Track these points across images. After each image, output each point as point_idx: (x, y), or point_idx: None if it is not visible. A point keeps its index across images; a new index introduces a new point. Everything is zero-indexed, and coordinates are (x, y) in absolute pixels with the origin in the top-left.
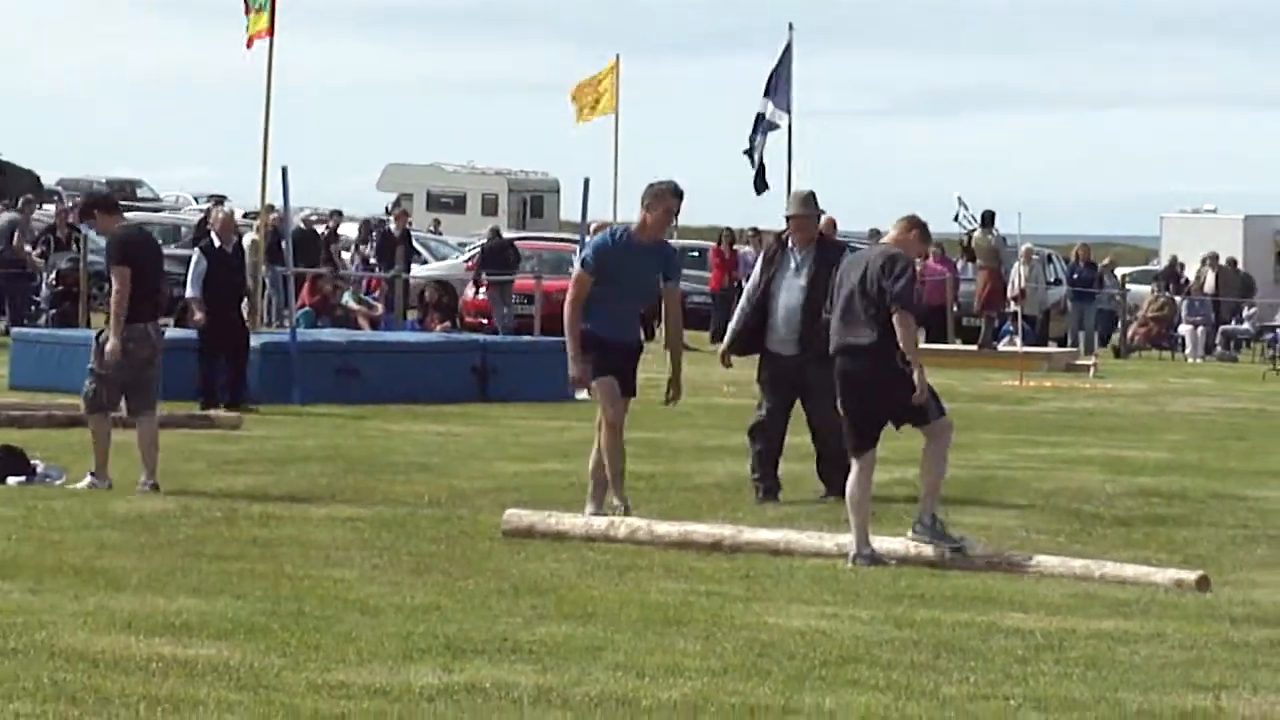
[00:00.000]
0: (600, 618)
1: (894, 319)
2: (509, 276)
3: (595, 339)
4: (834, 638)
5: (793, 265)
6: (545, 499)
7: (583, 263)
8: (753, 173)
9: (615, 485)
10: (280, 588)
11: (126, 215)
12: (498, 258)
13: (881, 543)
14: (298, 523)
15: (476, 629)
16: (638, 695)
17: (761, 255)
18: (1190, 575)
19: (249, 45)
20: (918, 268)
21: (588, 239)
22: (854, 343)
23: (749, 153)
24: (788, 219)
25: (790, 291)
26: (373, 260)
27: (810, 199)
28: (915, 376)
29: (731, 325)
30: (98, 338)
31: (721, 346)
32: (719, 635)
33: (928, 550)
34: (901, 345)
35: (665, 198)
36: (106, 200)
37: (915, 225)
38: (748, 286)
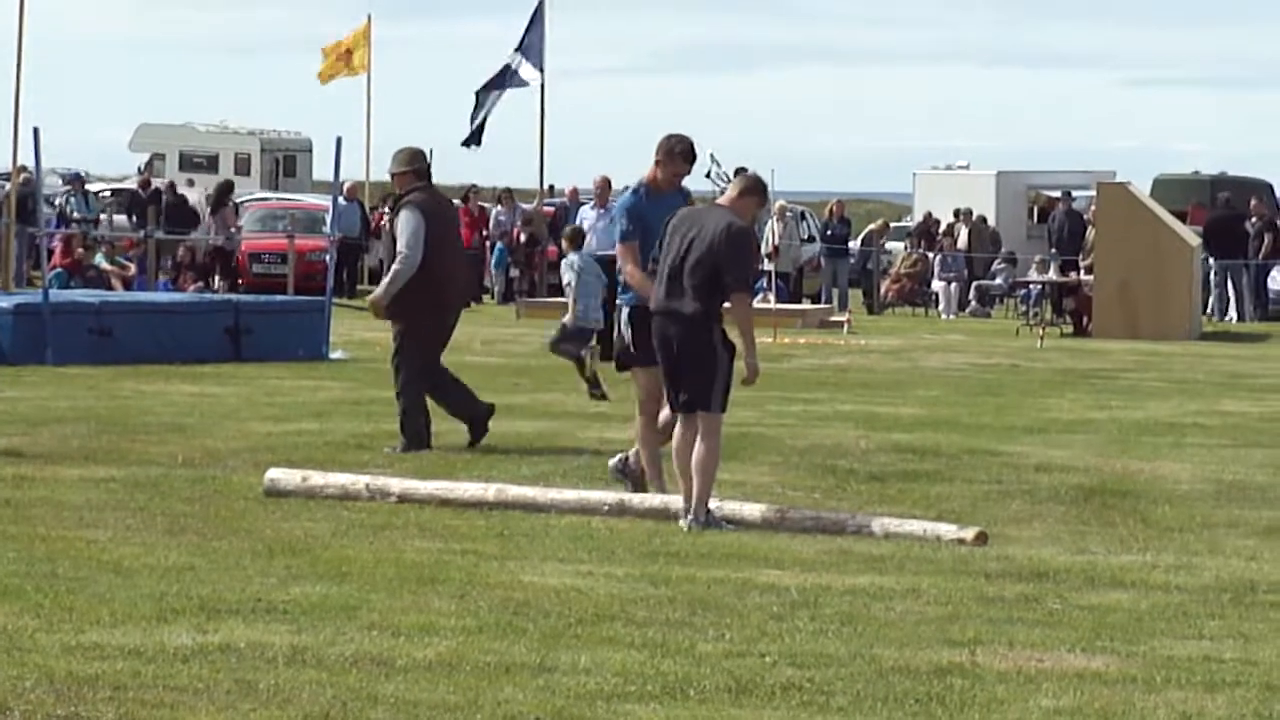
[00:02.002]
0: (355, 577)
1: (732, 300)
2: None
3: (642, 310)
4: (589, 595)
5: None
6: (300, 458)
7: (623, 235)
8: (475, 125)
9: (652, 474)
10: (33, 549)
11: None
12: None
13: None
14: (50, 484)
15: (231, 589)
16: (393, 654)
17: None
18: (969, 532)
19: None
20: None
21: (589, 211)
22: (676, 309)
23: (477, 106)
24: (392, 175)
25: None
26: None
27: (419, 155)
28: (747, 359)
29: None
30: None
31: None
32: (474, 594)
33: (751, 511)
34: (739, 328)
35: (678, 162)
36: None
37: (755, 191)
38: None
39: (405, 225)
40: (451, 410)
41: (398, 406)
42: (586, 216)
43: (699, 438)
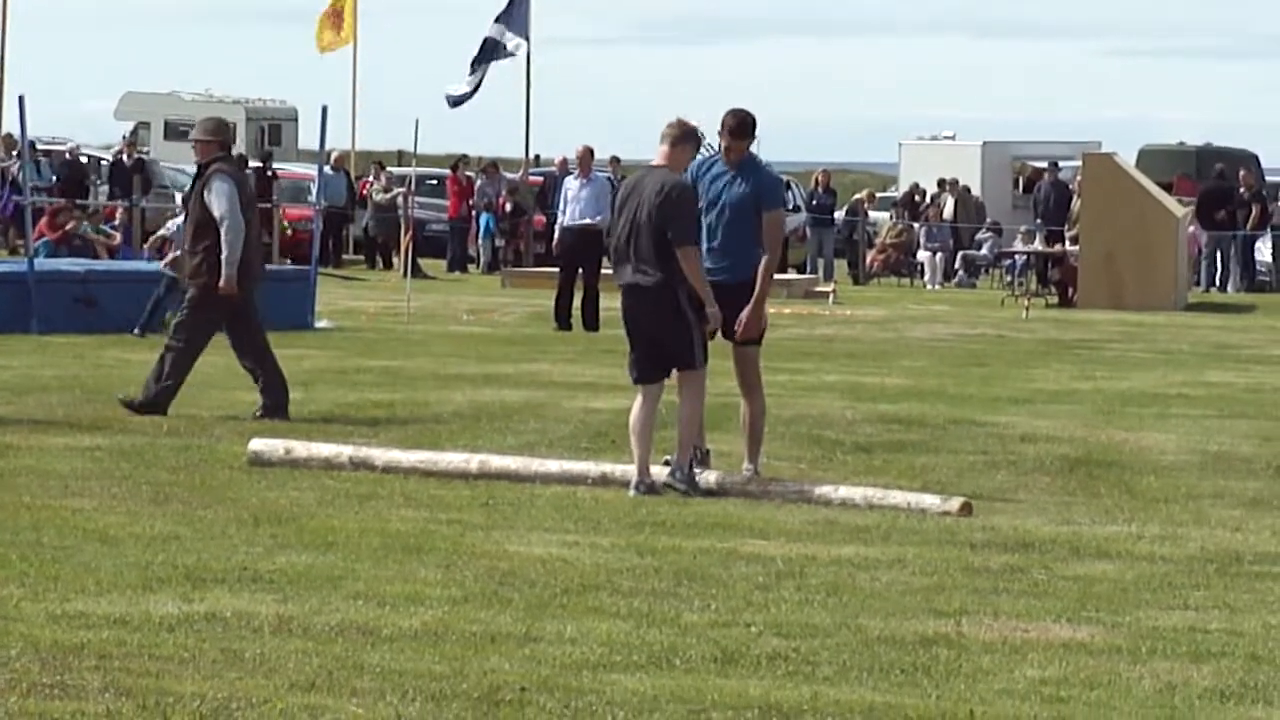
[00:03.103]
0: (340, 547)
1: (679, 255)
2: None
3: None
4: (575, 565)
5: None
6: (284, 428)
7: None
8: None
9: (744, 449)
10: (19, 518)
11: None
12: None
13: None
14: (36, 453)
15: (216, 558)
16: (378, 624)
17: None
18: (953, 503)
19: None
20: None
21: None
22: (638, 283)
23: (475, 85)
24: (195, 143)
25: None
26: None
27: (224, 126)
28: (708, 310)
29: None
30: None
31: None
32: (459, 563)
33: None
34: (691, 282)
35: (687, 146)
36: None
37: (687, 138)
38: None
39: (221, 193)
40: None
41: (162, 363)
42: (570, 186)
43: (685, 398)
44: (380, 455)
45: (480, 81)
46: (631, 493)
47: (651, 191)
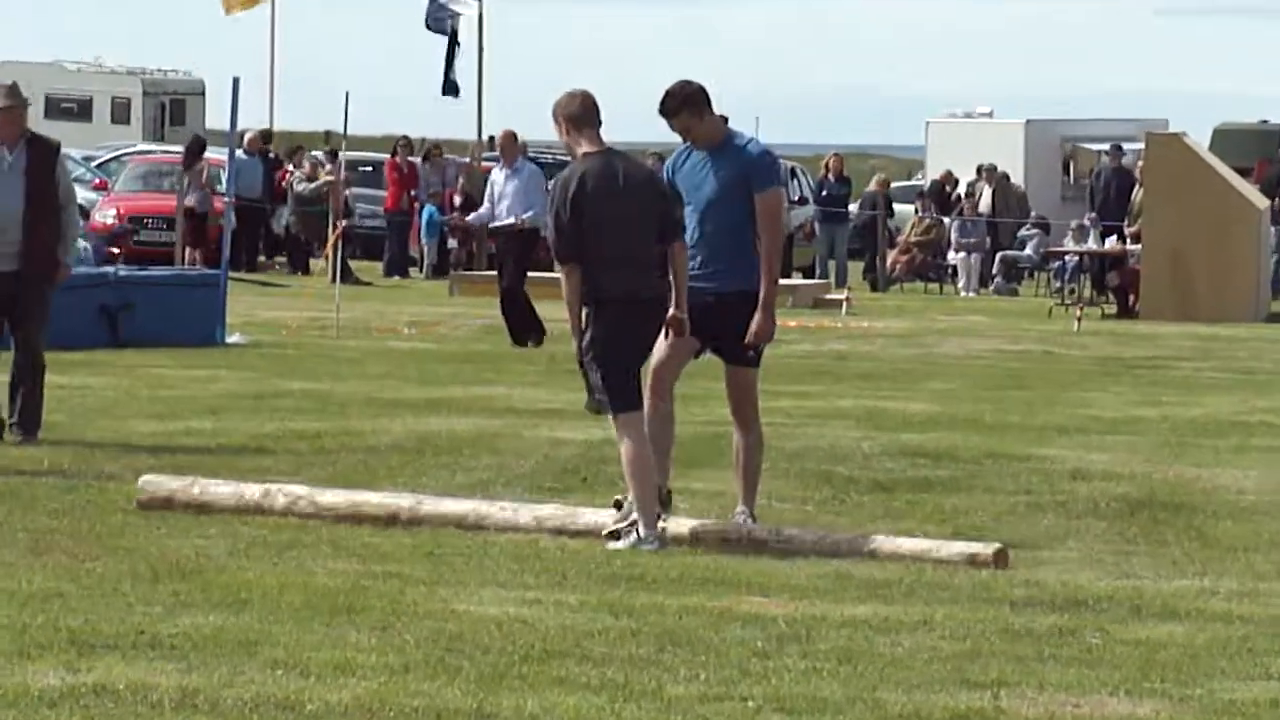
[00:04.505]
0: (256, 605)
1: (674, 252)
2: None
3: None
4: (537, 628)
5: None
6: (188, 464)
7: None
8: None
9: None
10: None
11: None
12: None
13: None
14: None
15: (107, 620)
16: (301, 698)
17: None
18: (985, 549)
19: None
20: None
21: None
22: (646, 294)
23: (449, 59)
24: None
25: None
26: None
27: (13, 90)
28: (674, 314)
29: None
30: None
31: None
32: (398, 626)
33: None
34: (676, 280)
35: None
36: None
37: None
38: None
39: (61, 168)
40: None
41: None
42: (495, 180)
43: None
44: (303, 495)
45: (452, 51)
46: (647, 547)
47: (644, 181)
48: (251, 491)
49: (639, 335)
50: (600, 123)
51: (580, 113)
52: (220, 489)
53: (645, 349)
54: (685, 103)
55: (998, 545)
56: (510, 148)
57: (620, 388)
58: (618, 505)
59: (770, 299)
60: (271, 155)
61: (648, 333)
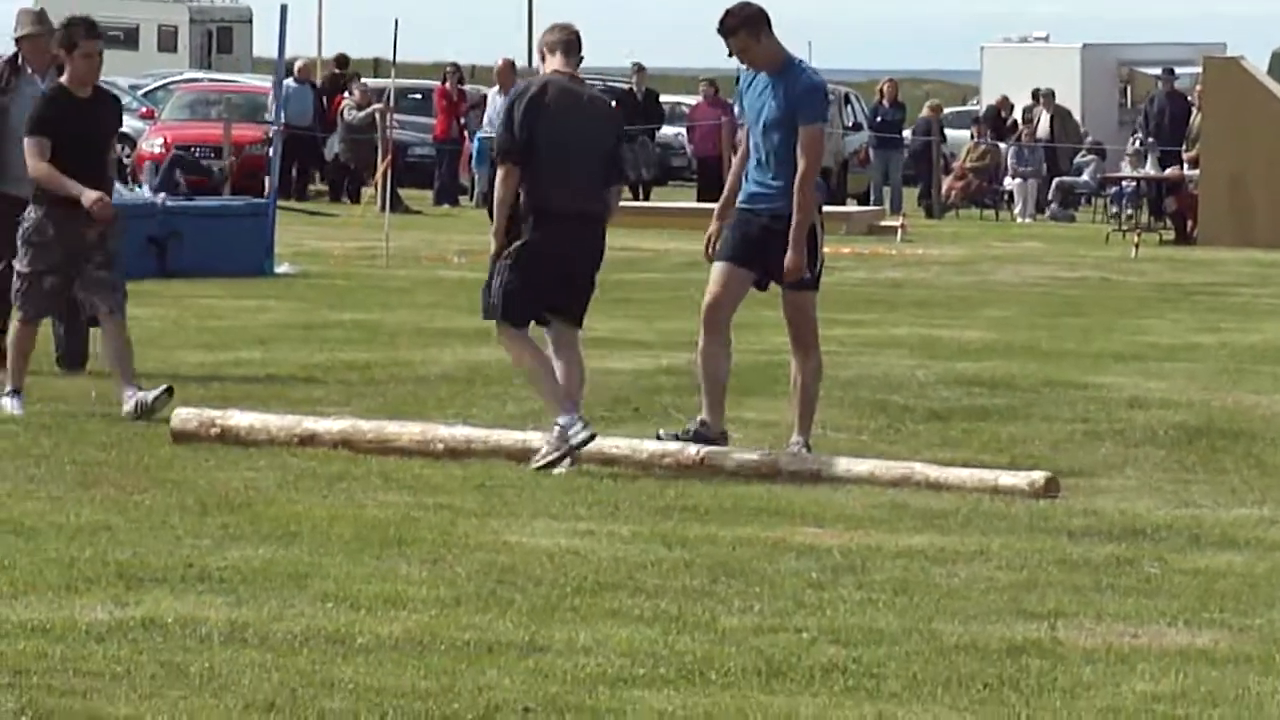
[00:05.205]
0: (305, 538)
1: (614, 194)
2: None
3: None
4: (589, 560)
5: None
6: (236, 394)
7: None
8: None
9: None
10: None
11: None
12: None
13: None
14: None
15: (155, 553)
16: (351, 631)
17: None
18: (1037, 476)
19: None
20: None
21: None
22: (592, 210)
23: None
24: (19, 40)
25: None
26: None
27: (41, 16)
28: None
29: None
30: None
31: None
32: (449, 558)
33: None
34: (610, 212)
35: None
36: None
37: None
38: None
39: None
40: None
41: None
42: (496, 104)
43: (574, 353)
44: (349, 427)
45: None
46: (578, 435)
47: (606, 113)
48: (298, 423)
49: (569, 254)
50: (580, 57)
51: (557, 39)
52: (265, 420)
53: (566, 271)
54: (745, 23)
55: (1048, 474)
56: (507, 75)
57: (519, 302)
58: (660, 437)
59: (800, 233)
60: (316, 84)
61: (582, 252)
